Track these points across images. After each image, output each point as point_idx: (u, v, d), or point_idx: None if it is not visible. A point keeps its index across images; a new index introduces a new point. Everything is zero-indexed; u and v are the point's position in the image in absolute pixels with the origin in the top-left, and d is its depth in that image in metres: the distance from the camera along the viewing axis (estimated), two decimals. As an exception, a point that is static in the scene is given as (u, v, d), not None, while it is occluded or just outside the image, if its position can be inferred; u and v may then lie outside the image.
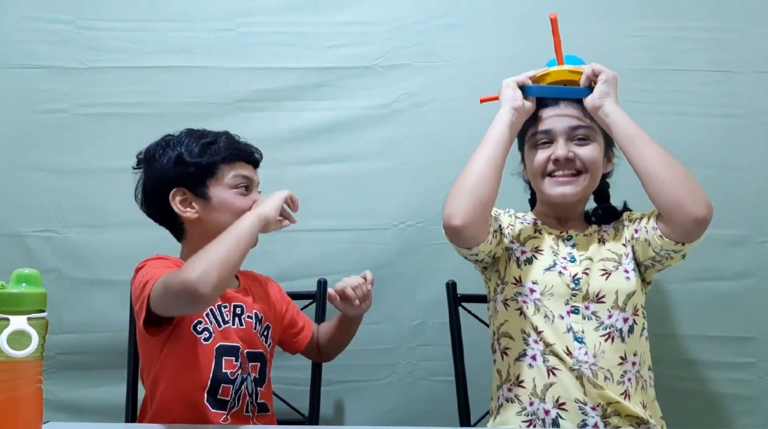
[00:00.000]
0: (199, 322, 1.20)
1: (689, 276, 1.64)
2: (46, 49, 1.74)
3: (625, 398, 1.17)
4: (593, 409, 1.16)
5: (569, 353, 1.18)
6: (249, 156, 1.30)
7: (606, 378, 1.17)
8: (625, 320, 1.21)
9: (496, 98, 1.29)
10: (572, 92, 1.26)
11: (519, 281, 1.25)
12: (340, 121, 1.74)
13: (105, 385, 1.64)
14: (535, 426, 1.18)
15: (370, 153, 1.73)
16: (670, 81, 1.72)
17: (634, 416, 1.17)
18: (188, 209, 1.24)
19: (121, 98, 1.73)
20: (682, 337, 1.66)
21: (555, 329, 1.20)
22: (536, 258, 1.27)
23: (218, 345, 1.21)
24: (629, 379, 1.19)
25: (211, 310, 1.22)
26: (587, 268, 1.24)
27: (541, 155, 1.27)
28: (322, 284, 1.57)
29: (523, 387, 1.21)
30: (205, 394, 1.18)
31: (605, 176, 1.34)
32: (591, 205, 1.37)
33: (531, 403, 1.20)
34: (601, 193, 1.37)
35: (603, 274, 1.23)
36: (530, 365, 1.21)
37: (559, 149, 1.25)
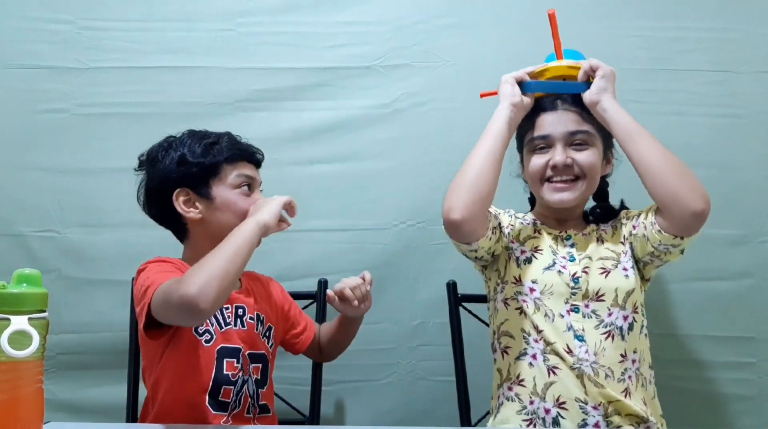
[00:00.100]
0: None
1: (689, 276, 1.65)
2: (46, 49, 1.74)
3: (626, 396, 1.17)
4: (594, 408, 1.16)
5: (570, 351, 1.18)
6: (251, 156, 1.30)
7: (607, 376, 1.17)
8: (625, 318, 1.21)
9: (496, 93, 1.29)
10: (570, 87, 1.26)
11: (519, 280, 1.26)
12: (340, 121, 1.74)
13: (106, 384, 1.64)
14: (535, 425, 1.19)
15: (370, 153, 1.74)
16: (670, 81, 1.72)
17: (635, 415, 1.17)
18: (191, 209, 1.24)
19: (122, 98, 1.74)
20: (683, 337, 1.67)
21: (555, 328, 1.20)
22: (536, 257, 1.27)
23: (219, 347, 1.21)
24: (630, 377, 1.19)
25: (212, 311, 1.22)
26: (586, 267, 1.24)
27: (540, 160, 1.27)
28: (323, 284, 1.57)
29: (524, 386, 1.21)
30: (206, 396, 1.18)
31: (605, 177, 1.35)
32: (590, 203, 1.37)
33: (531, 402, 1.20)
34: (601, 192, 1.37)
35: (602, 273, 1.24)
36: (530, 364, 1.21)
37: (557, 155, 1.25)
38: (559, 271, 1.24)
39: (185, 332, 1.18)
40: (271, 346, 1.31)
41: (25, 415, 0.82)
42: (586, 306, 1.22)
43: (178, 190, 1.24)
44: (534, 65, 1.29)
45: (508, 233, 1.32)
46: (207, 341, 1.20)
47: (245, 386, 1.23)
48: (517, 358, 1.23)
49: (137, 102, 1.73)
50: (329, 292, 1.34)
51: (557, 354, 1.19)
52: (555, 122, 1.27)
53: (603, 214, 1.35)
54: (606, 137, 1.29)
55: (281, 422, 1.40)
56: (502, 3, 1.76)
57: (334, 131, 1.74)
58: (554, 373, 1.19)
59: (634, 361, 1.20)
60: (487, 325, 1.38)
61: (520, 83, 1.27)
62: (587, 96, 1.23)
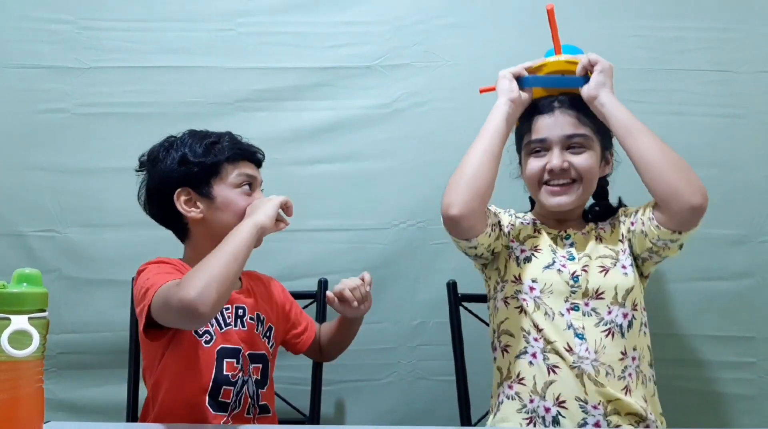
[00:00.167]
0: (200, 325, 1.20)
1: (689, 276, 1.65)
2: (46, 49, 1.74)
3: (626, 393, 1.17)
4: (594, 407, 1.16)
5: (570, 350, 1.18)
6: (252, 155, 1.31)
7: (607, 374, 1.17)
8: (625, 315, 1.22)
9: (494, 89, 1.29)
10: (568, 82, 1.26)
11: (518, 279, 1.26)
12: (340, 121, 1.74)
13: (106, 384, 1.64)
14: (535, 424, 1.19)
15: (370, 153, 1.74)
16: (670, 81, 1.72)
17: (635, 414, 1.17)
18: (193, 209, 1.24)
19: (122, 98, 1.74)
20: (683, 337, 1.67)
21: (555, 326, 1.21)
22: (535, 256, 1.27)
23: (219, 347, 1.21)
24: (630, 375, 1.19)
25: (212, 312, 1.22)
26: (586, 266, 1.24)
27: (537, 164, 1.28)
28: (323, 284, 1.57)
29: (524, 384, 1.21)
30: (206, 397, 1.18)
31: (605, 177, 1.35)
32: (590, 202, 1.38)
33: (531, 401, 1.20)
34: (600, 191, 1.37)
35: (601, 271, 1.24)
36: (530, 363, 1.21)
37: (554, 159, 1.25)
38: (559, 270, 1.24)
39: (185, 333, 1.18)
40: (271, 347, 1.31)
41: (25, 414, 0.82)
42: (586, 304, 1.22)
43: (179, 190, 1.24)
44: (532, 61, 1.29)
45: (508, 232, 1.32)
46: (207, 342, 1.20)
47: (245, 387, 1.23)
48: (517, 357, 1.24)
49: (137, 102, 1.73)
50: (329, 293, 1.34)
51: (557, 352, 1.19)
52: (552, 125, 1.27)
53: (601, 212, 1.36)
54: (604, 138, 1.29)
55: (281, 422, 1.40)
56: (502, 3, 1.76)
57: (334, 131, 1.74)
58: (554, 371, 1.19)
59: (634, 359, 1.20)
60: (487, 324, 1.38)
61: (518, 78, 1.27)
62: (585, 91, 1.23)
